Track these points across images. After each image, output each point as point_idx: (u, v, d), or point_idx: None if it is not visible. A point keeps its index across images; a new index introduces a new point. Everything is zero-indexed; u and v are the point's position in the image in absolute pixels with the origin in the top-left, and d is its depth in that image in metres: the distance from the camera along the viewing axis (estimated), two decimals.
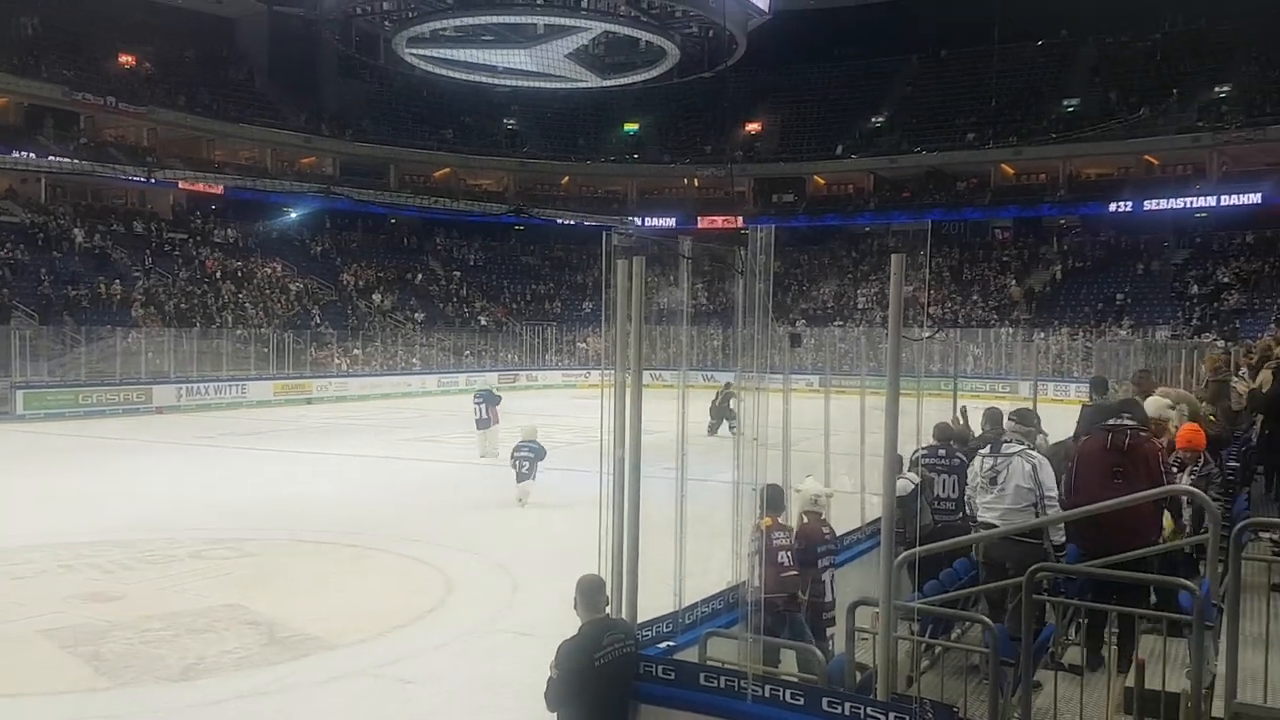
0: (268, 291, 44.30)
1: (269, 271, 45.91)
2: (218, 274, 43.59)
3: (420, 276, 53.17)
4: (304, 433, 27.46)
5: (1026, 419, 7.35)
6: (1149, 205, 48.44)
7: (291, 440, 25.77)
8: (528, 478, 16.37)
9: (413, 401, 37.95)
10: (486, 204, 56.90)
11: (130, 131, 46.55)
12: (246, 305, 42.24)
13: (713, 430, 23.58)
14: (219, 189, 47.44)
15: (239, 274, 44.48)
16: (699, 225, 54.41)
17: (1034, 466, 6.63)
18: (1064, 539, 6.72)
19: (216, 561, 12.48)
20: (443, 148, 56.08)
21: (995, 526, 6.70)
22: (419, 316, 48.67)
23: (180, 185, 46.04)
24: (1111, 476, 6.22)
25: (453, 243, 57.27)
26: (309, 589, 11.38)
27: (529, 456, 16.45)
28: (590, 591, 5.02)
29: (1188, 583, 5.10)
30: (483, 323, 50.63)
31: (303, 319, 43.44)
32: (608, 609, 5.10)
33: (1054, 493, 6.61)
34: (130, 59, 47.53)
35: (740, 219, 54.24)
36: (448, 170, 57.27)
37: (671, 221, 54.82)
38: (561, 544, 11.08)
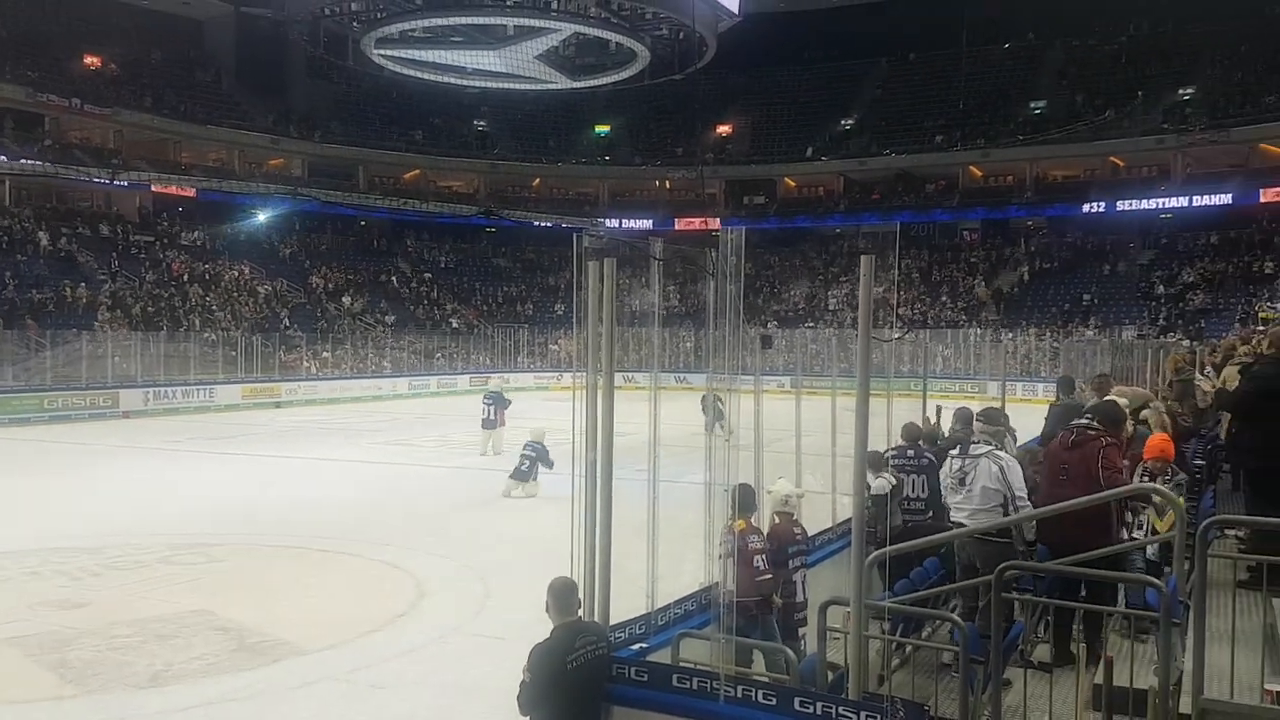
0: (236, 294, 43.92)
1: (237, 274, 45.52)
2: (185, 277, 43.18)
3: (390, 279, 52.92)
4: (273, 437, 27.24)
5: (994, 419, 7.41)
6: (1115, 206, 49.03)
7: (260, 444, 25.56)
8: (527, 477, 16.86)
9: (383, 405, 37.77)
10: (457, 206, 56.66)
11: (95, 133, 46.02)
12: (214, 308, 41.86)
13: (709, 428, 23.76)
14: (187, 191, 46.97)
15: (207, 277, 44.08)
16: (677, 227, 54.53)
17: (1001, 468, 6.71)
18: (1034, 537, 6.79)
19: (185, 567, 12.36)
20: (412, 149, 55.84)
21: (965, 526, 6.77)
22: (389, 319, 48.44)
23: (147, 187, 45.54)
24: (1059, 475, 6.39)
25: (423, 245, 57.03)
26: (278, 594, 11.28)
27: (530, 456, 16.97)
28: (562, 594, 5.01)
29: (1155, 580, 5.16)
30: (454, 325, 50.45)
31: (271, 322, 43.10)
32: (580, 611, 5.09)
33: (1023, 492, 6.69)
34: (95, 60, 46.99)
35: (719, 220, 54.37)
36: (417, 172, 57.03)
37: (648, 223, 54.76)
38: (534, 547, 11.06)
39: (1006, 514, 6.62)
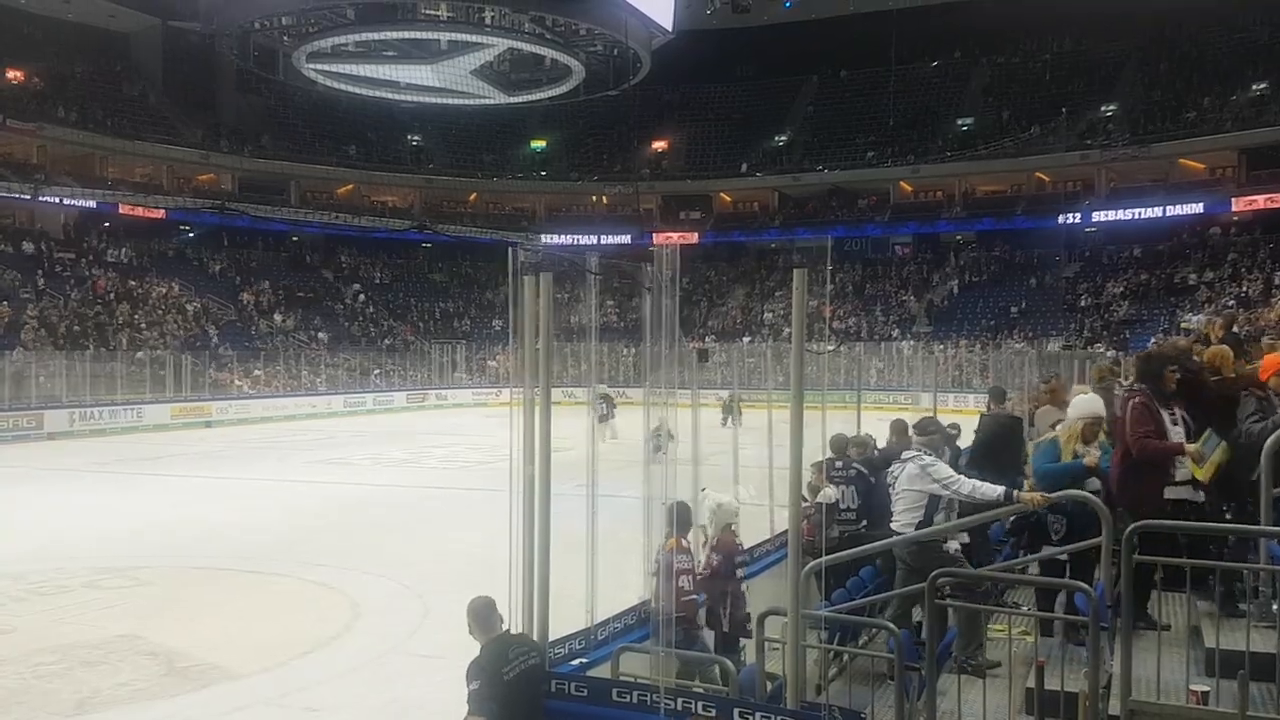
0: (164, 312, 43.01)
1: (165, 291, 44.59)
2: (111, 294, 42.18)
3: (324, 295, 52.22)
4: (203, 457, 26.68)
5: (927, 429, 7.50)
6: (1040, 221, 50.19)
7: (190, 465, 25.01)
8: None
9: (318, 423, 37.22)
10: (392, 220, 56.21)
11: (19, 148, 44.78)
12: (142, 326, 40.94)
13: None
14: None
15: (134, 294, 43.11)
16: (653, 241, 54.25)
17: (921, 467, 6.76)
18: (965, 541, 6.92)
19: (111, 591, 12.03)
20: (345, 164, 55.23)
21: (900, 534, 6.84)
22: (323, 336, 47.77)
23: (71, 203, 44.46)
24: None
25: (358, 260, 56.40)
26: (209, 617, 11.03)
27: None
28: (482, 613, 5.00)
29: (1084, 585, 5.27)
30: (389, 342, 49.93)
31: (201, 340, 42.27)
32: (505, 626, 5.07)
33: (952, 480, 6.64)
34: (19, 74, 45.81)
35: (689, 235, 54.49)
36: (351, 187, 56.45)
37: (625, 238, 53.95)
38: (471, 564, 10.96)
39: (930, 512, 6.72)
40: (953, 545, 6.93)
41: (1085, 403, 7.05)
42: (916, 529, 6.73)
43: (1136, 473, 5.95)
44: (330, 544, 14.80)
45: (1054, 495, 6.14)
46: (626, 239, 53.23)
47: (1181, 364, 6.43)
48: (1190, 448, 5.88)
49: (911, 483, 6.79)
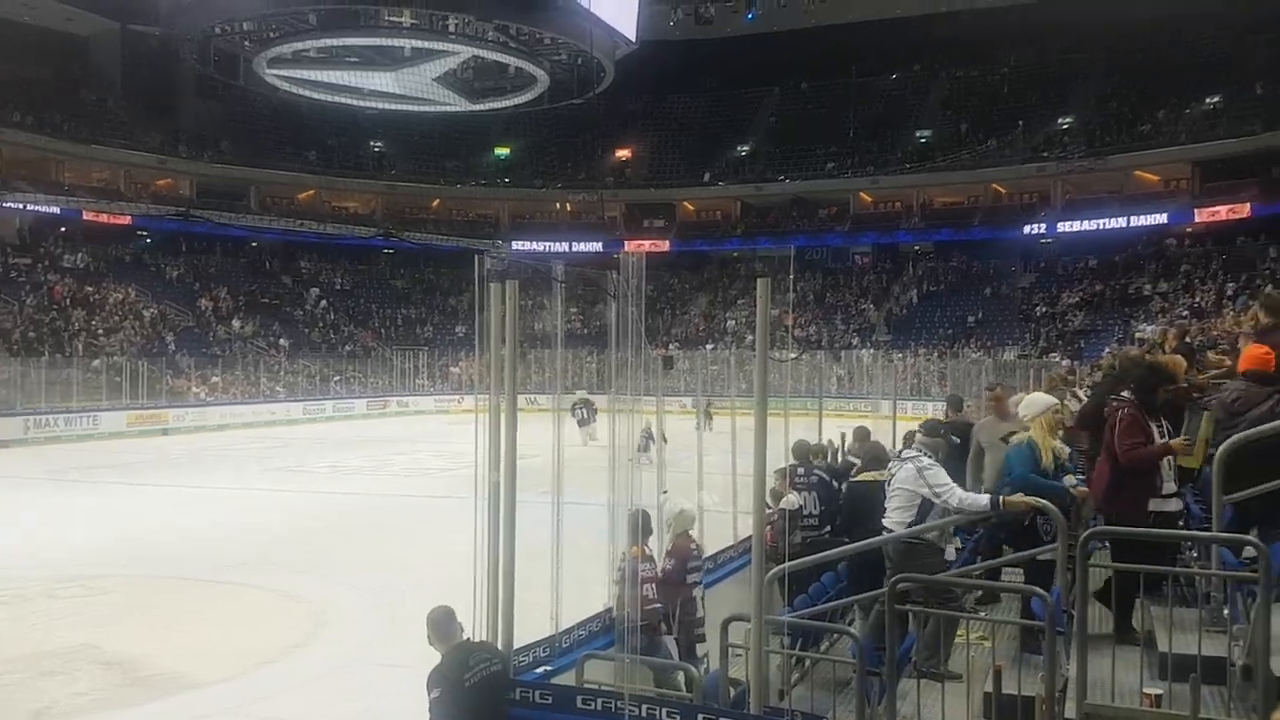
0: (120, 318, 42.40)
1: (121, 297, 43.95)
2: (68, 300, 41.52)
3: (284, 301, 51.71)
4: (160, 465, 26.33)
5: (934, 430, 7.43)
6: (997, 232, 50.78)
7: (147, 473, 24.68)
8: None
9: (276, 430, 36.83)
10: (353, 227, 55.78)
11: None
12: (99, 332, 40.32)
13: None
14: (79, 213, 45.19)
15: (90, 300, 42.45)
16: (626, 247, 53.96)
17: (919, 469, 6.68)
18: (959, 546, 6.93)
19: (69, 600, 11.85)
20: (306, 169, 54.67)
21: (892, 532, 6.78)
22: (283, 342, 47.30)
23: (27, 208, 43.72)
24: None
25: (318, 266, 55.89)
26: (169, 627, 10.89)
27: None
28: (441, 622, 5.00)
29: (1040, 590, 5.35)
30: (350, 349, 49.53)
31: (158, 346, 41.71)
32: (465, 634, 5.07)
33: (944, 488, 6.56)
34: None
35: (660, 242, 54.63)
36: (312, 192, 55.94)
37: (596, 246, 53.77)
38: (437, 572, 10.88)
39: (923, 513, 6.69)
40: (950, 550, 6.95)
41: (1039, 399, 7.07)
42: (908, 529, 6.69)
43: (1122, 484, 5.95)
44: (293, 553, 14.66)
45: (1033, 500, 6.13)
46: (597, 247, 53.24)
47: (1176, 381, 6.49)
48: (1176, 442, 5.96)
49: (907, 482, 6.74)
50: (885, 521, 6.87)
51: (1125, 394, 6.27)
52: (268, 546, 15.15)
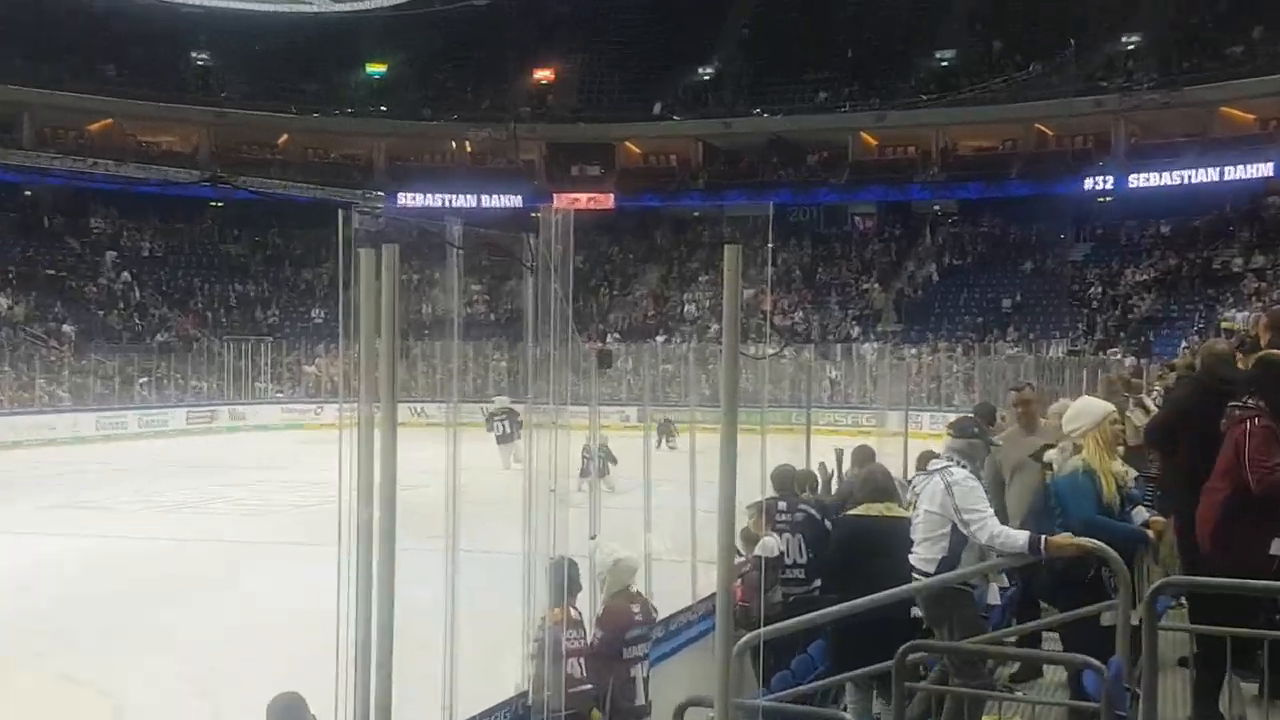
0: None
1: None
2: None
3: (70, 272, 50.95)
4: None
5: (965, 430, 7.32)
6: (1042, 187, 51.41)
7: None
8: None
9: (59, 452, 36.21)
10: (168, 169, 55.09)
11: None
12: None
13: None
14: None
15: None
16: (554, 204, 54.02)
17: (948, 485, 6.50)
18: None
19: None
20: (102, 90, 53.95)
21: (929, 574, 6.61)
22: (68, 329, 46.57)
23: None
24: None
25: (118, 224, 55.23)
26: None
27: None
28: (287, 713, 5.00)
29: (1094, 661, 5.32)
30: (163, 339, 48.93)
31: None
32: None
33: (976, 516, 6.42)
34: None
35: (596, 196, 54.92)
36: (109, 122, 55.35)
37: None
38: (280, 648, 10.83)
39: (955, 547, 6.54)
40: (993, 591, 6.95)
41: (1091, 407, 6.97)
42: (940, 567, 6.48)
43: (1242, 519, 5.84)
44: (82, 621, 14.47)
45: (1086, 541, 6.10)
46: (510, 201, 53.20)
47: None
48: None
49: (933, 503, 6.55)
50: (912, 558, 6.72)
51: (1249, 401, 6.22)
52: (45, 614, 14.93)
